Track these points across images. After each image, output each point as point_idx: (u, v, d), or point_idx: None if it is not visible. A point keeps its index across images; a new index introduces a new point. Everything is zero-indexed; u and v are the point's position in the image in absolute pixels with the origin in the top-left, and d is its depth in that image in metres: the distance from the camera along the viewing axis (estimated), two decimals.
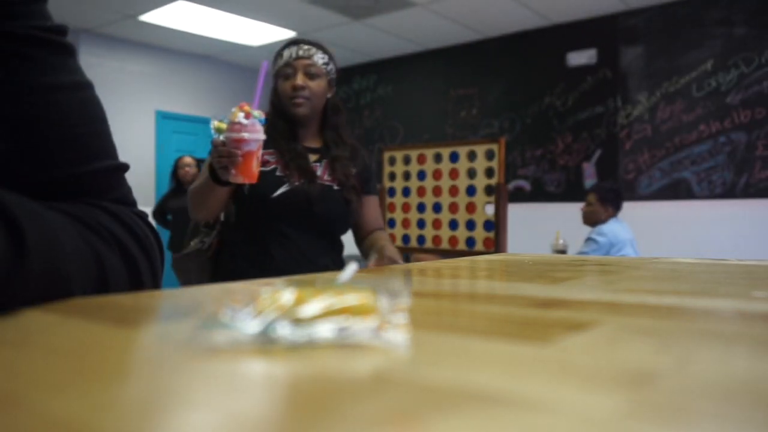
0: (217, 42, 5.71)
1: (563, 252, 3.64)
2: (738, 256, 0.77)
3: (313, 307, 0.23)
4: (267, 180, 1.37)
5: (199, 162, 4.55)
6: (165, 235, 4.63)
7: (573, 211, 4.46)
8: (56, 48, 0.48)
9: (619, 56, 4.52)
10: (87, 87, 0.50)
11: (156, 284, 0.47)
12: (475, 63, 5.56)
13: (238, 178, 1.20)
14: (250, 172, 1.21)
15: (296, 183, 1.38)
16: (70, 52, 0.49)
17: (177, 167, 4.50)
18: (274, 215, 1.39)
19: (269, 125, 1.41)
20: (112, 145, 0.53)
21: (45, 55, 0.46)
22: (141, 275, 0.45)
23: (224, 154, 1.18)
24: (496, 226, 2.88)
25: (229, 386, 0.17)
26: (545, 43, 5.03)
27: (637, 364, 0.19)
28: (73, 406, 0.16)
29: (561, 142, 4.86)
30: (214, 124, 1.21)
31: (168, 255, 4.54)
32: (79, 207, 0.44)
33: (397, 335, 0.22)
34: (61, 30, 0.49)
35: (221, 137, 1.18)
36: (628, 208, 3.37)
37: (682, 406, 0.15)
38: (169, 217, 4.46)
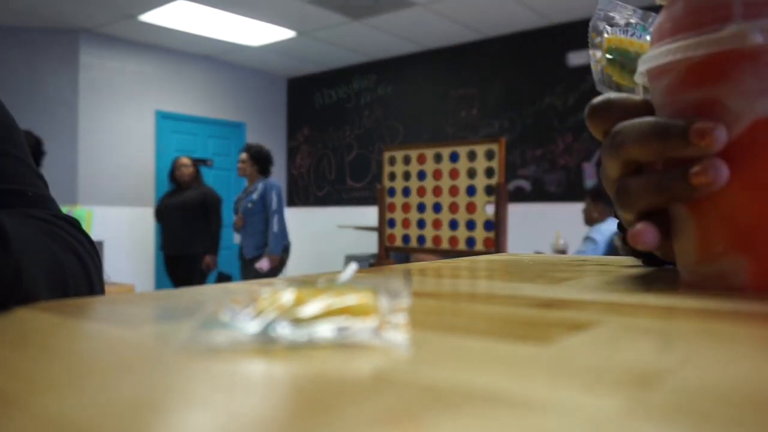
0: (217, 42, 5.71)
1: (563, 252, 3.64)
2: None
3: (313, 307, 0.23)
4: None
5: (195, 162, 4.56)
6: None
7: (573, 211, 4.46)
8: None
9: None
10: None
11: (101, 288, 0.46)
12: (475, 63, 5.56)
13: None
14: None
15: None
16: None
17: (174, 168, 4.52)
18: None
19: None
20: (29, 172, 0.48)
21: None
22: (92, 277, 0.45)
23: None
24: (496, 226, 2.88)
25: (229, 386, 0.17)
26: (545, 43, 5.03)
27: (638, 364, 0.19)
28: (73, 406, 0.16)
29: (561, 142, 4.87)
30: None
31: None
32: (15, 212, 0.42)
33: (397, 335, 0.22)
34: None
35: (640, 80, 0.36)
36: None
37: (683, 406, 0.15)
38: None
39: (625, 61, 0.43)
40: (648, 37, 0.44)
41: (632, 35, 0.43)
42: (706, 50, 0.30)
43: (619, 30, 0.44)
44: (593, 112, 0.39)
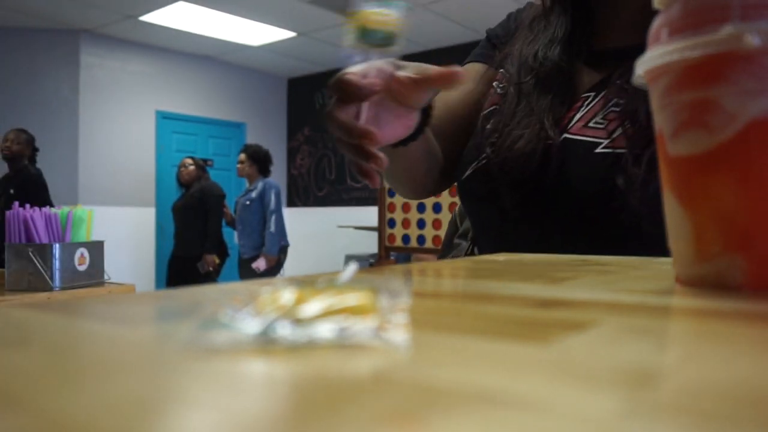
0: (217, 42, 5.71)
1: None
2: None
3: (313, 307, 0.23)
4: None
5: (197, 162, 4.57)
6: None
7: None
8: None
9: None
10: None
11: None
12: None
13: None
14: None
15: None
16: None
17: (177, 169, 4.56)
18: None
19: None
20: None
21: None
22: None
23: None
24: None
25: (229, 386, 0.17)
26: None
27: (637, 364, 0.19)
28: (73, 406, 0.16)
29: None
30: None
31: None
32: None
33: (397, 335, 0.22)
34: None
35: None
36: None
37: (682, 406, 0.15)
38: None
39: (367, 36, 0.54)
40: (394, 10, 0.55)
41: (379, 7, 0.53)
42: (703, 51, 0.30)
43: (367, 5, 0.53)
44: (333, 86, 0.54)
